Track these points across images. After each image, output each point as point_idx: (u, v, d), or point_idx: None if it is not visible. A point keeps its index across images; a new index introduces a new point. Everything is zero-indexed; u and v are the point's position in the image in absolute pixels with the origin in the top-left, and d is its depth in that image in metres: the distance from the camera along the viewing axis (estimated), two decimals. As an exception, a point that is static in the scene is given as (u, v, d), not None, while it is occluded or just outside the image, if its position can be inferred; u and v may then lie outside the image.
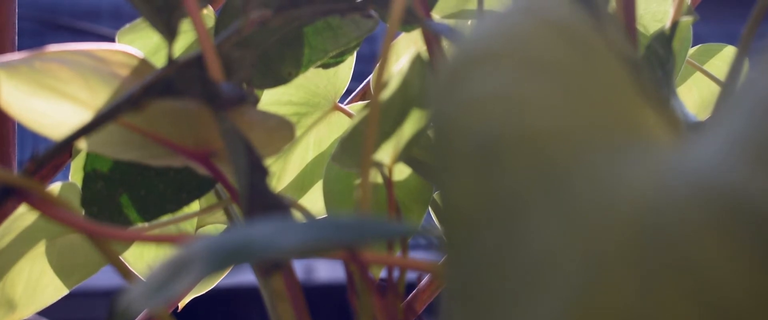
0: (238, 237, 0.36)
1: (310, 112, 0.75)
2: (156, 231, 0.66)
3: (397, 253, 0.61)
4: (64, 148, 0.48)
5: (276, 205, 0.47)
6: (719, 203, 0.22)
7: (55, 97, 0.53)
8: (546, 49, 0.27)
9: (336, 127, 0.76)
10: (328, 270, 5.48)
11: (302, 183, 0.76)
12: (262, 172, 0.48)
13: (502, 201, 0.25)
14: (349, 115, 0.76)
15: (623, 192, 0.24)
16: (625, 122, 0.26)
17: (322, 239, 0.35)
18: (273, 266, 0.46)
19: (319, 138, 0.76)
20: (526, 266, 0.24)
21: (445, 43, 0.58)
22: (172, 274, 0.35)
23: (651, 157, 0.25)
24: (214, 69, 0.51)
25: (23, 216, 0.71)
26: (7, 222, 0.71)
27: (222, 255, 0.35)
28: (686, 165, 0.24)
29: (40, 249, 0.71)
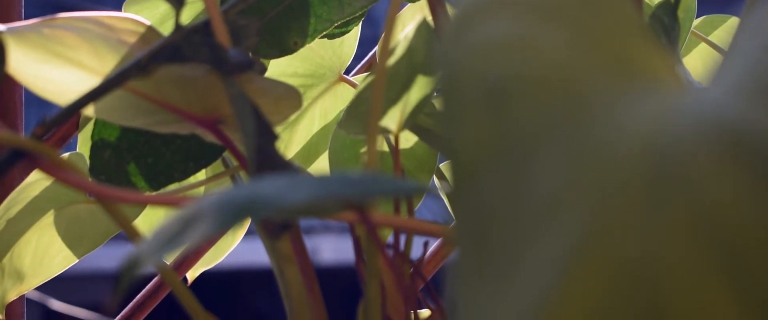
0: (247, 192, 0.36)
1: (316, 83, 0.75)
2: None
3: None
4: (73, 113, 0.48)
5: (284, 169, 0.47)
6: (725, 138, 0.22)
7: (63, 64, 0.53)
8: (553, -8, 0.27)
9: (341, 98, 0.76)
10: (332, 252, 5.48)
11: (308, 154, 0.76)
12: (270, 136, 0.48)
13: (511, 143, 0.25)
14: (354, 86, 0.76)
15: (630, 131, 0.24)
16: (633, 65, 0.27)
17: (331, 194, 0.36)
18: (281, 227, 0.47)
19: (324, 109, 0.76)
20: (535, 205, 0.24)
21: (451, 10, 0.58)
22: (181, 229, 0.35)
23: (658, 97, 0.25)
24: (222, 35, 0.52)
25: (31, 186, 0.71)
26: (14, 193, 0.71)
27: (231, 210, 0.35)
28: (692, 104, 0.24)
29: (48, 219, 0.72)
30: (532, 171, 0.25)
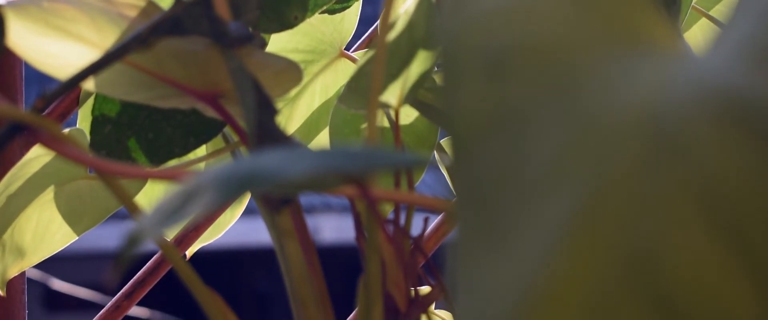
0: (247, 165, 0.36)
1: (317, 59, 0.75)
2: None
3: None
4: (74, 85, 0.48)
5: (284, 143, 0.47)
6: (725, 104, 0.22)
7: (63, 38, 0.53)
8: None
9: (342, 74, 0.76)
10: (334, 231, 5.49)
11: (308, 130, 0.76)
12: (270, 110, 0.48)
13: (510, 111, 0.25)
14: (355, 61, 0.76)
15: (630, 99, 0.24)
16: (633, 33, 0.26)
17: (331, 167, 0.36)
18: (281, 202, 0.47)
19: (325, 85, 0.76)
20: (533, 175, 0.24)
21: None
22: (182, 202, 0.35)
23: (658, 65, 0.25)
24: (222, 8, 0.51)
25: (31, 162, 0.71)
26: (14, 169, 0.71)
27: (232, 183, 0.35)
28: (692, 71, 0.24)
29: (49, 196, 0.72)
30: (530, 140, 0.25)
